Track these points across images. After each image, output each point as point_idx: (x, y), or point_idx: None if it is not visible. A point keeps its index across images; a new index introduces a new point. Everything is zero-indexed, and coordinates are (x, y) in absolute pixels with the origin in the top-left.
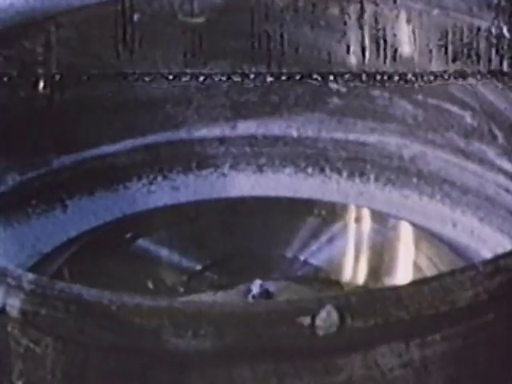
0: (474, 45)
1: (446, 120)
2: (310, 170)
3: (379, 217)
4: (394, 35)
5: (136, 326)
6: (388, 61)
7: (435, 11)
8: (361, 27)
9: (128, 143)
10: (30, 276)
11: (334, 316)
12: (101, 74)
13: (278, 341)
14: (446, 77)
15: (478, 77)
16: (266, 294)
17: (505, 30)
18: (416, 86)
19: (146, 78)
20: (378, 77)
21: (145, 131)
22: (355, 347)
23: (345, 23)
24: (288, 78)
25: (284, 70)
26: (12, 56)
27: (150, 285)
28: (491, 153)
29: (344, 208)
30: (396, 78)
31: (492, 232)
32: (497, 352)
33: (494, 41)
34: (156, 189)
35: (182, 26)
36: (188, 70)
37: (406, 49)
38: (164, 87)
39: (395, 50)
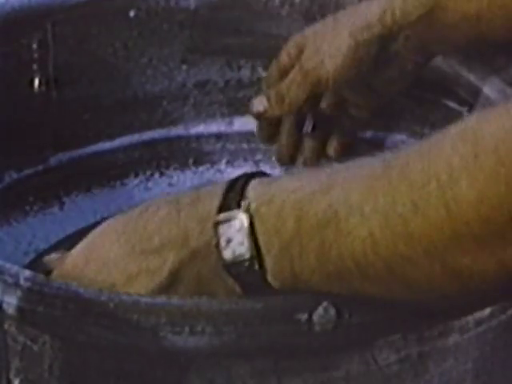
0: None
1: (443, 116)
2: None
3: None
4: None
5: (133, 323)
6: None
7: None
8: None
9: (125, 140)
10: (28, 273)
11: (332, 312)
12: (97, 71)
13: (275, 337)
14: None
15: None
16: None
17: None
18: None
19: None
20: None
21: (142, 128)
22: (353, 343)
23: None
24: None
25: None
26: (8, 53)
27: None
28: None
29: None
30: None
31: None
32: (494, 347)
33: None
34: (153, 185)
35: (179, 23)
36: (184, 67)
37: None
38: (161, 84)
39: None
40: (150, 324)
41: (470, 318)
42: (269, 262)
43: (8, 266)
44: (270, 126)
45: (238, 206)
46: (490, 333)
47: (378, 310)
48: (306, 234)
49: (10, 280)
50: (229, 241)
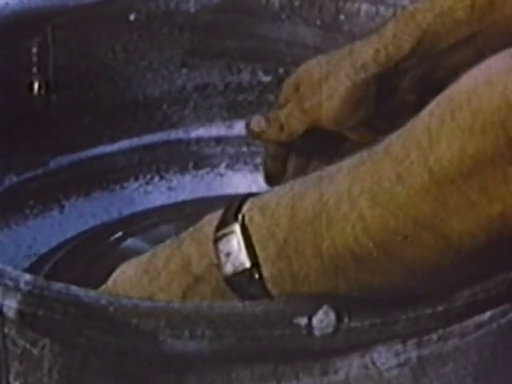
0: None
1: None
2: None
3: None
4: None
5: (133, 327)
6: None
7: None
8: (356, 26)
9: (125, 144)
10: (28, 277)
11: (331, 316)
12: (97, 74)
13: (275, 341)
14: None
15: None
16: None
17: None
18: None
19: (143, 78)
20: None
21: (142, 131)
22: (352, 347)
23: (340, 22)
24: (285, 77)
25: (280, 69)
26: (8, 56)
27: None
28: None
29: None
30: None
31: None
32: (494, 351)
33: None
34: (153, 189)
35: (179, 26)
36: (185, 70)
37: None
38: (161, 87)
39: None
40: (149, 328)
41: (470, 322)
42: (267, 269)
43: (8, 269)
44: (277, 162)
45: (235, 220)
46: (490, 337)
47: (377, 313)
48: (299, 231)
49: (10, 283)
50: (228, 255)
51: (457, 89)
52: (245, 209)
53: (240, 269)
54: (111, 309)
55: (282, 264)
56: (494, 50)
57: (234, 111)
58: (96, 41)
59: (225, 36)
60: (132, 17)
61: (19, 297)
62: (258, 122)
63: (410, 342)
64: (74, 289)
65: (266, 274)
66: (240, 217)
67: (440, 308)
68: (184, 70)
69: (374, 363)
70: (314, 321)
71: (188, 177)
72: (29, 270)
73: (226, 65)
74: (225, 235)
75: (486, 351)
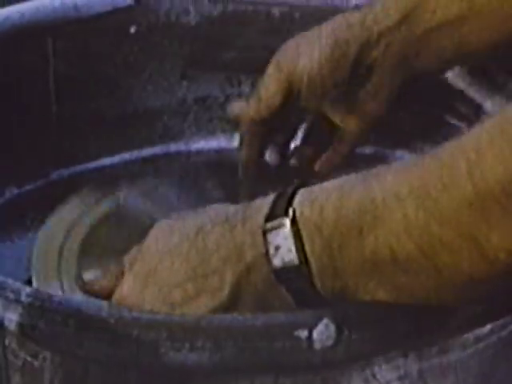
0: None
1: (444, 131)
2: None
3: None
4: None
5: (134, 338)
6: None
7: None
8: None
9: (126, 155)
10: (29, 289)
11: (332, 329)
12: (98, 86)
13: (276, 354)
14: None
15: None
16: None
17: None
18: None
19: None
20: None
21: (142, 143)
22: (353, 360)
23: None
24: None
25: None
26: (9, 68)
27: None
28: None
29: None
30: None
31: None
32: (494, 363)
33: None
34: None
35: (179, 38)
36: (185, 82)
37: None
38: (161, 99)
39: None
40: (150, 340)
41: (470, 335)
42: (314, 264)
43: (10, 281)
44: (252, 149)
45: (286, 213)
46: (490, 349)
47: (377, 326)
48: (344, 226)
49: (11, 296)
50: (277, 248)
51: (510, 109)
52: (295, 202)
53: (289, 265)
54: (112, 321)
55: (326, 259)
56: (477, 41)
57: (234, 123)
58: (96, 53)
59: (225, 48)
60: (132, 29)
61: (20, 309)
62: (237, 104)
63: (411, 355)
64: (74, 301)
65: (313, 268)
66: (291, 211)
67: (440, 321)
68: (184, 82)
69: (374, 376)
70: (315, 333)
71: None
72: (29, 282)
73: (227, 77)
74: (274, 228)
75: (487, 363)
